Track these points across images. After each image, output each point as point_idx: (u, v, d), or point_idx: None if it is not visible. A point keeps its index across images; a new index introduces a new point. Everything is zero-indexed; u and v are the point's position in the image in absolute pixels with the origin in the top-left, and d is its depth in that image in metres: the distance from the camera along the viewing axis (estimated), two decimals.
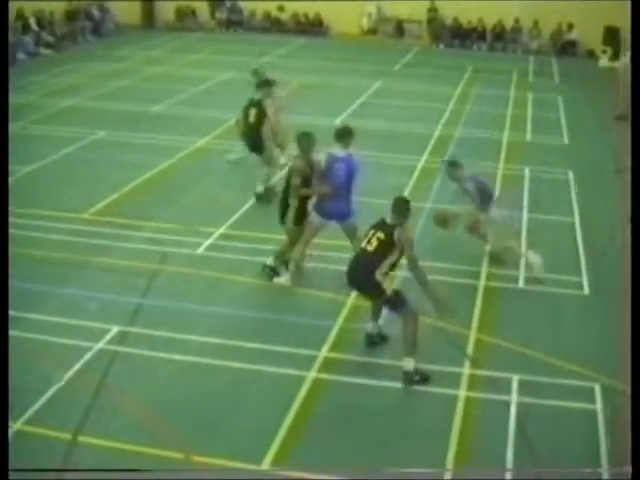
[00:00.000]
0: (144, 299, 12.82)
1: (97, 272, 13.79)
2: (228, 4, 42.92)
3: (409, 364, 10.90)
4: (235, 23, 42.64)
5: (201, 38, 39.94)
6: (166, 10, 43.36)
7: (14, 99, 25.50)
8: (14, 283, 12.92)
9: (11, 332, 11.46)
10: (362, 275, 11.07)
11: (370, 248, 11.02)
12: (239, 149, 18.58)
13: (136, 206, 16.71)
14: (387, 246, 10.96)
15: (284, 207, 13.29)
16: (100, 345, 11.47)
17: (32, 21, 36.56)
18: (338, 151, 13.17)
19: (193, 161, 19.94)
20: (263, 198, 16.91)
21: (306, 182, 12.99)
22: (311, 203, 13.36)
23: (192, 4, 42.97)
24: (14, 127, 22.25)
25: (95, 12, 40.80)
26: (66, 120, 23.53)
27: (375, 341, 11.68)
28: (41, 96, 26.76)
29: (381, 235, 11.02)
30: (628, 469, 7.43)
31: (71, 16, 39.44)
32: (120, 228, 15.53)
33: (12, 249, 13.84)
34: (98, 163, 19.58)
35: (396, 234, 10.99)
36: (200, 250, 14.64)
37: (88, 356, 11.19)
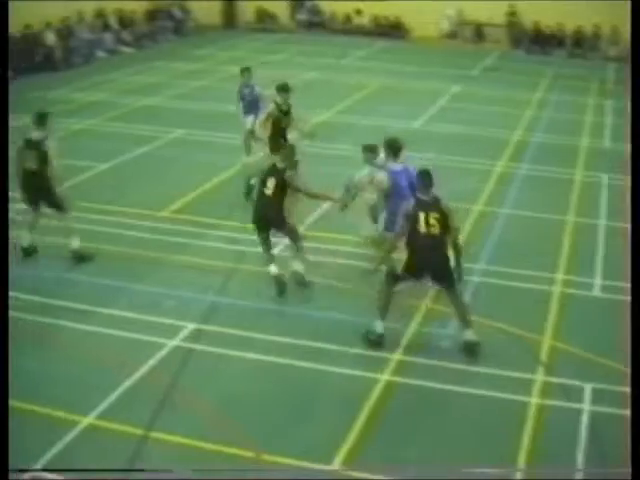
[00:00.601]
0: (220, 297, 12.97)
1: (174, 269, 13.99)
2: (308, 5, 43.07)
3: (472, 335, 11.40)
4: (316, 25, 42.76)
5: (281, 39, 40.14)
6: (246, 10, 43.67)
7: (93, 96, 26.02)
8: (90, 278, 13.27)
9: (85, 327, 11.80)
10: (444, 262, 11.19)
11: (436, 231, 11.01)
12: None
13: (214, 205, 16.89)
14: (446, 223, 11.03)
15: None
16: (175, 342, 11.65)
17: (112, 19, 37.12)
18: (395, 165, 13.11)
19: None
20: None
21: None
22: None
23: (273, 5, 43.19)
24: (90, 123, 22.68)
25: (176, 12, 41.27)
26: (145, 118, 23.85)
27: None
28: (119, 93, 27.17)
29: (436, 214, 11.00)
30: None
31: (152, 15, 39.99)
32: (197, 226, 15.74)
33: (89, 245, 14.21)
34: (177, 162, 19.85)
35: (446, 207, 11.11)
36: (276, 250, 14.74)
37: (163, 353, 11.37)
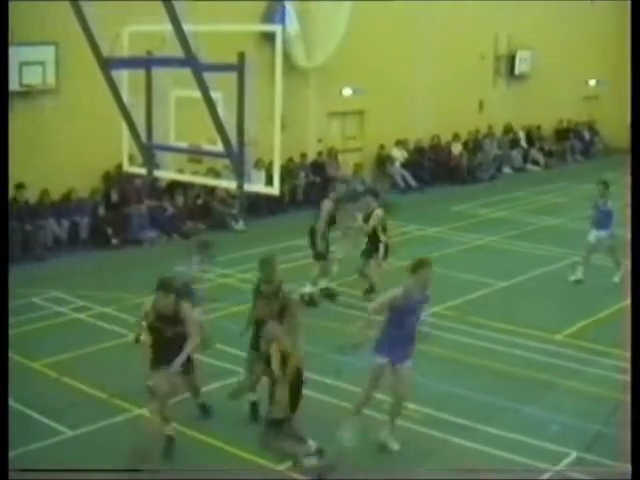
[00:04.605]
0: (604, 427, 12.80)
1: (561, 395, 14.03)
2: None
3: None
4: None
5: None
6: None
7: (496, 213, 26.64)
8: (474, 394, 13.52)
9: (464, 442, 12.05)
10: None
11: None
12: None
13: (609, 332, 16.68)
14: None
15: None
16: (557, 468, 11.64)
17: (521, 136, 37.95)
18: None
19: None
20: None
21: None
22: None
23: None
24: (491, 240, 23.14)
25: (585, 133, 41.50)
26: (547, 239, 24.04)
27: None
28: (523, 212, 27.63)
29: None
30: None
31: (561, 135, 40.43)
32: (589, 353, 15.72)
33: (479, 360, 14.55)
34: (578, 285, 19.89)
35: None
36: None
37: (544, 477, 11.40)
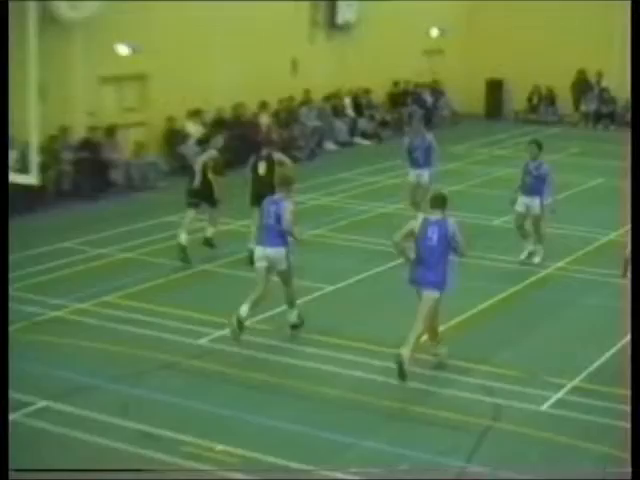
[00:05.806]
0: (470, 463, 12.89)
1: (410, 424, 14.09)
2: (596, 92, 42.75)
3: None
4: (605, 117, 42.49)
5: (558, 134, 39.98)
6: (517, 97, 43.96)
7: (315, 200, 26.71)
8: (312, 430, 13.47)
9: None
10: None
11: None
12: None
13: (465, 343, 16.90)
14: None
15: None
16: None
17: (347, 103, 38.07)
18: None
19: (543, 292, 20.15)
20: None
21: None
22: None
23: (551, 91, 43.40)
24: (315, 234, 23.21)
25: (427, 97, 42.01)
26: (380, 230, 24.14)
27: None
28: (351, 198, 27.79)
29: None
30: None
31: (397, 100, 40.84)
32: (444, 371, 15.87)
33: (304, 385, 14.53)
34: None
35: None
36: (545, 406, 14.65)
37: None
